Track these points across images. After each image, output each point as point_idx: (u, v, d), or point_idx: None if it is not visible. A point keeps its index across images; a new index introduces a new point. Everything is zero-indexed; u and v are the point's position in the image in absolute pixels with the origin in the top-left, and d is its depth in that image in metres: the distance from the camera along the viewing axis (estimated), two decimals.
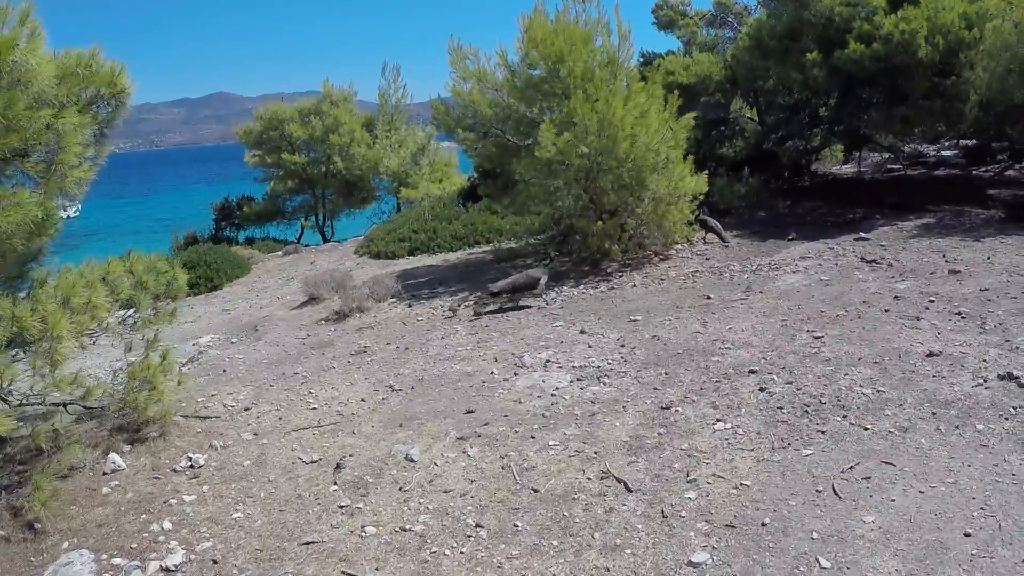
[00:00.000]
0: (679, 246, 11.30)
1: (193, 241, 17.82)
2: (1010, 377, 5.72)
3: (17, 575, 4.83)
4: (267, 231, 19.32)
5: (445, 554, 4.56)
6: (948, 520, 4.21)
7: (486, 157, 11.39)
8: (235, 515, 5.20)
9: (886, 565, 3.90)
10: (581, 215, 10.51)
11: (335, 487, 5.58)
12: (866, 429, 5.26)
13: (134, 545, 4.91)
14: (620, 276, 10.21)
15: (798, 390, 5.98)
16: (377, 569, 4.49)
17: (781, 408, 5.72)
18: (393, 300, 10.50)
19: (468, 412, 6.57)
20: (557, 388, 6.79)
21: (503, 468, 5.52)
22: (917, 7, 11.17)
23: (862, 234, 10.86)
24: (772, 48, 12.77)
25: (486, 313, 9.38)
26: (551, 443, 5.75)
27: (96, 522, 5.23)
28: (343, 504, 5.36)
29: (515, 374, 7.29)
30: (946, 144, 16.09)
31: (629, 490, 4.93)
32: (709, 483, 4.87)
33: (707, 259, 10.65)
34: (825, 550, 4.07)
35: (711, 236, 11.58)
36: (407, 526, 4.96)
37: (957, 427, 5.16)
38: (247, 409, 7.28)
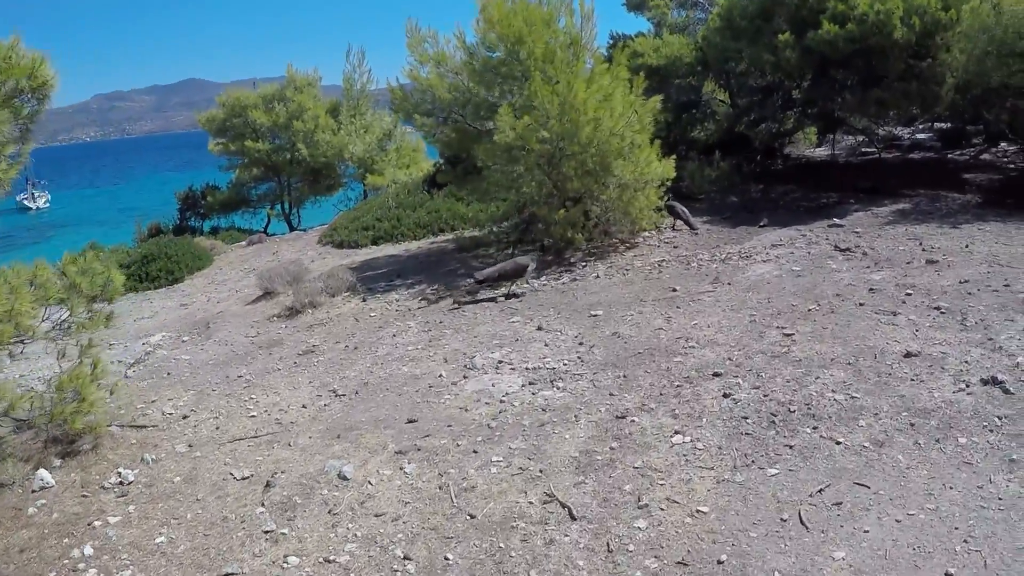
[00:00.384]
0: (647, 234, 10.63)
1: (157, 232, 16.96)
2: (994, 382, 5.10)
3: None
4: (232, 220, 18.48)
5: None
6: (928, 556, 3.60)
7: (445, 143, 10.64)
8: (158, 539, 4.73)
9: None
10: (543, 203, 9.80)
11: (262, 509, 5.01)
12: (838, 443, 4.63)
13: (52, 574, 4.46)
14: (584, 266, 9.52)
15: (765, 396, 5.33)
16: None
17: (746, 418, 5.08)
18: (348, 294, 9.79)
19: (410, 421, 5.94)
20: (507, 393, 6.14)
21: (440, 488, 4.89)
22: None
23: (836, 220, 10.22)
24: (743, 29, 12.05)
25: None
26: (494, 459, 5.10)
27: (19, 546, 4.78)
28: (268, 529, 4.83)
29: (464, 377, 6.63)
30: (921, 127, 15.48)
31: (573, 518, 4.29)
32: (662, 509, 4.23)
33: (675, 247, 9.98)
34: None
35: (681, 223, 10.91)
36: (332, 556, 4.40)
37: (937, 441, 4.53)
38: (185, 417, 6.73)
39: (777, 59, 11.52)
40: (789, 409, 5.10)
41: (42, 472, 5.67)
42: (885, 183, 11.77)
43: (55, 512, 5.16)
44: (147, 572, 4.42)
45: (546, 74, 8.88)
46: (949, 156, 13.73)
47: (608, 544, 4.00)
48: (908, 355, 5.68)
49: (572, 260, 9.87)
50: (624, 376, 6.08)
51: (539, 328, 7.50)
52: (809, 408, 5.08)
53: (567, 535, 4.15)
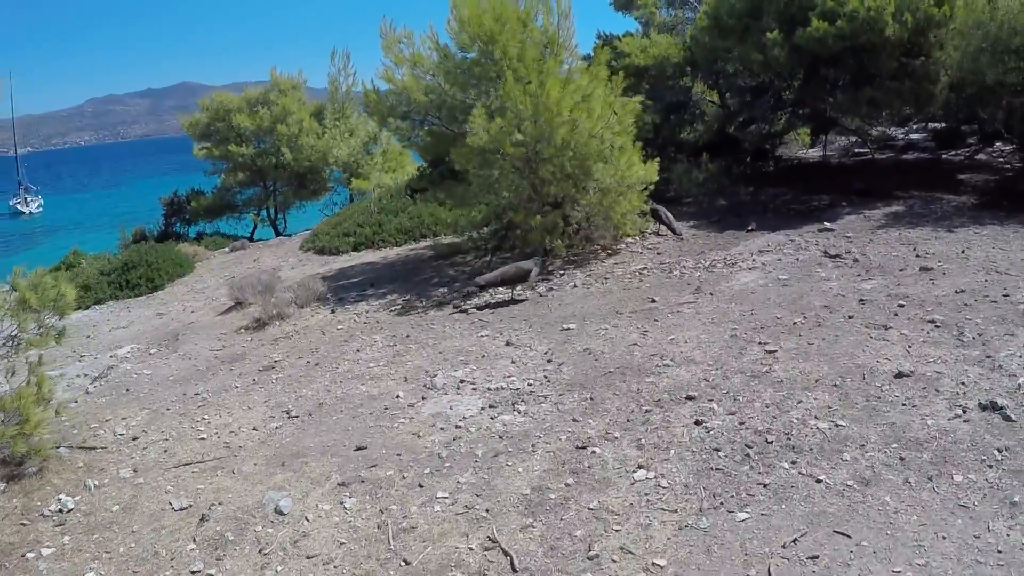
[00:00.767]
0: (630, 239, 10.03)
1: (141, 237, 16.43)
2: (993, 407, 4.50)
3: None
4: (217, 226, 17.90)
5: None
6: None
7: (422, 148, 10.06)
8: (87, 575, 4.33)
9: None
10: (520, 208, 9.21)
11: (193, 545, 4.51)
12: (819, 481, 4.03)
13: None
14: (562, 274, 8.93)
15: (741, 424, 4.73)
16: None
17: (718, 450, 4.47)
18: (318, 304, 9.22)
19: (359, 449, 5.39)
20: (464, 417, 5.56)
21: (379, 527, 4.33)
22: None
23: (826, 224, 9.60)
24: (731, 27, 11.43)
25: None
26: (440, 494, 4.52)
27: None
28: (195, 570, 4.34)
29: (423, 398, 6.06)
30: (915, 127, 14.82)
31: (514, 569, 3.72)
32: (614, 561, 3.64)
33: (658, 254, 9.38)
34: None
35: (666, 228, 10.30)
36: None
37: (930, 478, 3.93)
38: (136, 439, 6.24)
39: (766, 58, 10.90)
40: (767, 439, 4.50)
41: None
42: (878, 185, 11.15)
43: None
44: None
45: (518, 74, 8.28)
46: (944, 156, 13.08)
47: None
48: (900, 375, 5.08)
49: (551, 268, 9.28)
50: (591, 399, 5.49)
51: (508, 343, 6.91)
52: (789, 438, 4.48)
53: None
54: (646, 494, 4.14)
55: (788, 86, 11.99)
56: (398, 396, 6.17)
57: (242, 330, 8.94)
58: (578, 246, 9.65)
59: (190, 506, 4.94)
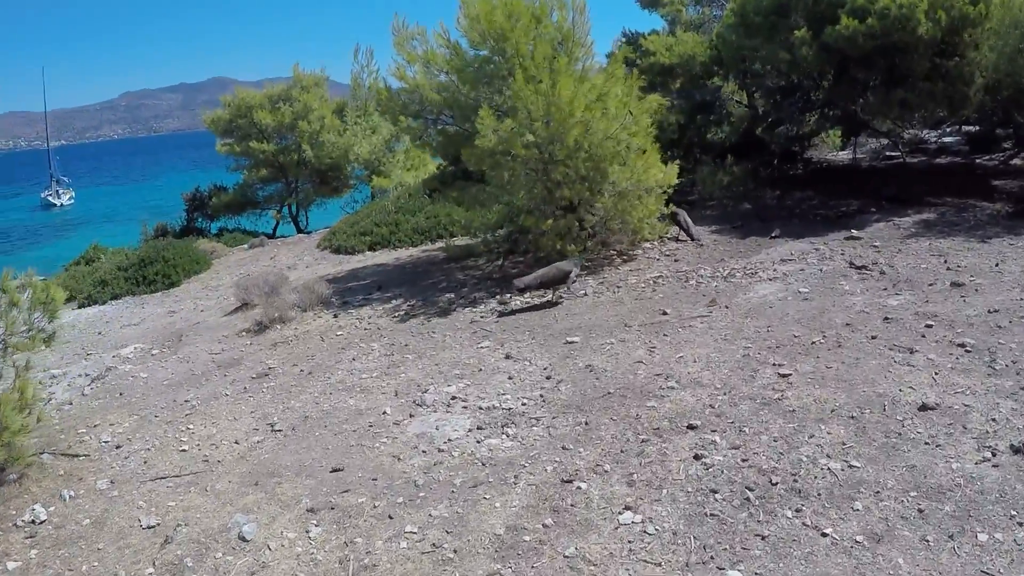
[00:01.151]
0: (648, 244, 9.50)
1: (163, 233, 16.32)
2: None
3: None
4: (238, 222, 17.72)
5: None
6: None
7: (434, 147, 9.65)
8: None
9: None
10: (533, 211, 8.75)
11: (152, 570, 4.20)
12: (824, 535, 3.52)
13: None
14: (573, 282, 8.44)
15: (744, 461, 4.23)
16: None
17: (715, 491, 3.98)
18: (320, 308, 8.87)
19: (335, 470, 5.03)
20: (449, 440, 5.15)
21: (340, 562, 3.97)
22: None
23: (853, 232, 8.97)
24: (758, 25, 10.80)
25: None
26: (408, 529, 4.12)
27: None
28: None
29: (410, 416, 5.65)
30: (948, 130, 13.98)
31: None
32: None
33: (675, 260, 8.84)
34: None
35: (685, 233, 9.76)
36: None
37: (951, 536, 3.41)
38: (119, 447, 5.98)
39: (794, 57, 10.27)
40: (771, 481, 4.00)
41: None
42: (909, 190, 10.45)
43: None
44: None
45: (529, 73, 7.81)
46: (977, 161, 12.26)
47: None
48: (924, 408, 4.53)
49: None
50: (585, 424, 5.03)
51: (507, 356, 6.47)
52: (796, 480, 3.98)
53: None
54: (630, 541, 3.67)
55: (817, 86, 11.31)
56: (385, 412, 5.78)
57: (243, 333, 8.63)
58: (593, 251, 9.15)
59: (158, 524, 4.67)
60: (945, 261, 7.44)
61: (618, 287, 8.07)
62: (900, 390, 4.80)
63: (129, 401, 7.13)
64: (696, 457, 4.35)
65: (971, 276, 6.83)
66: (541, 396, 5.58)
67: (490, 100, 8.74)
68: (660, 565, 3.47)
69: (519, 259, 9.47)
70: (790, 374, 5.24)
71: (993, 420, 4.30)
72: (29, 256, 24.41)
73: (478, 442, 5.04)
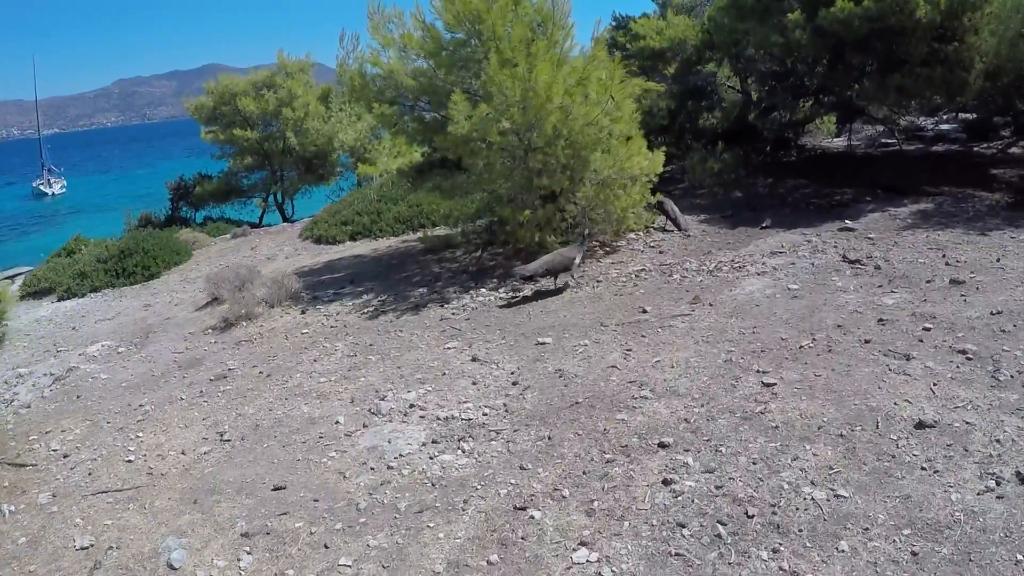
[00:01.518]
0: (633, 235, 8.91)
1: (147, 222, 15.73)
2: None
3: None
4: (223, 211, 17.11)
5: None
6: None
7: (409, 135, 9.03)
8: None
9: None
10: (510, 202, 8.17)
11: None
12: None
13: None
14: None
15: (717, 488, 3.69)
16: None
17: (683, 526, 3.45)
18: (290, 303, 8.31)
19: (277, 488, 4.53)
20: (401, 455, 4.63)
21: None
22: None
23: (848, 223, 8.38)
24: (751, 7, 10.16)
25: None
26: (342, 562, 3.62)
27: None
28: None
29: (364, 426, 5.13)
30: (945, 117, 13.31)
31: None
32: None
33: (660, 252, 8.26)
34: None
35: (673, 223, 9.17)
36: None
37: None
38: (67, 456, 5.56)
39: (787, 41, 9.64)
40: (747, 513, 3.46)
41: None
42: (905, 179, 9.84)
43: None
44: None
45: (504, 56, 7.20)
46: (975, 149, 11.61)
47: None
48: (921, 425, 3.98)
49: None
50: (548, 439, 4.49)
51: (473, 359, 5.92)
52: (775, 513, 3.44)
53: None
54: None
55: (811, 71, 10.65)
56: (338, 422, 5.25)
57: (209, 330, 8.09)
58: (575, 242, 8.56)
59: (91, 545, 4.25)
60: (943, 255, 6.86)
61: (598, 281, 7.50)
62: (895, 404, 4.25)
63: (85, 405, 6.64)
64: (665, 482, 3.81)
65: (971, 272, 6.26)
66: (504, 405, 5.04)
67: (467, 85, 8.13)
68: None
69: (498, 251, 8.90)
70: (775, 383, 4.69)
71: (997, 442, 3.75)
72: (18, 246, 23.86)
73: (431, 458, 4.52)
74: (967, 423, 3.95)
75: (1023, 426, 3.86)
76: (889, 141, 12.58)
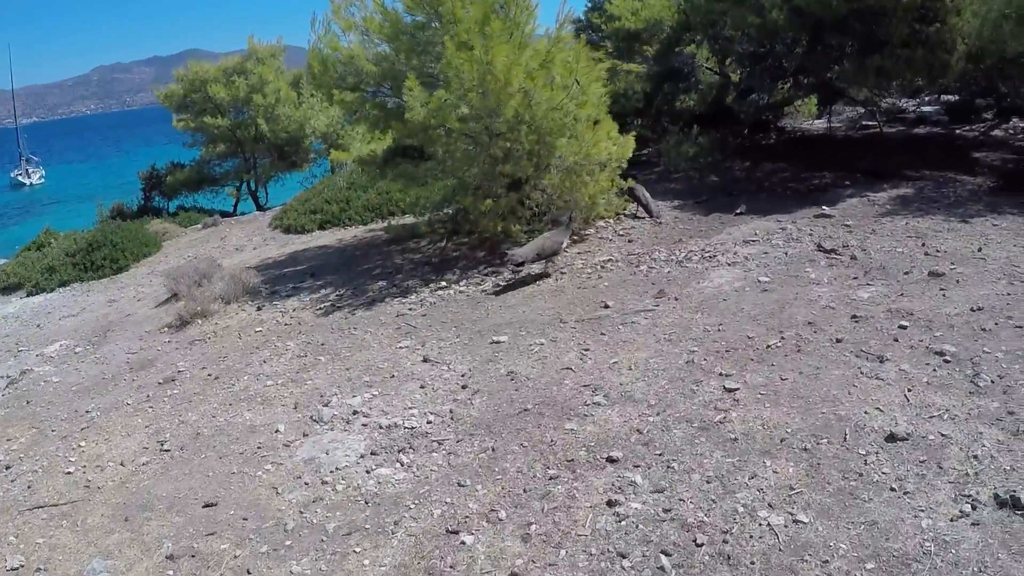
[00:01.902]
0: (603, 223, 8.45)
1: (119, 213, 15.17)
2: (1014, 505, 3.01)
3: None
4: (196, 200, 16.51)
5: None
6: None
7: (371, 122, 8.52)
8: None
9: None
10: (472, 190, 7.70)
11: None
12: None
13: None
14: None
15: (666, 512, 3.28)
16: None
17: (624, 556, 3.04)
18: (247, 299, 7.85)
19: (208, 505, 4.15)
20: (337, 468, 4.22)
21: None
22: None
23: (825, 209, 7.94)
24: None
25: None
26: None
27: None
28: None
29: (304, 435, 4.71)
30: (927, 99, 12.82)
31: None
32: None
33: (629, 241, 7.82)
34: None
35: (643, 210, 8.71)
36: None
37: None
38: (9, 467, 5.23)
39: (763, 21, 9.13)
40: (695, 540, 3.05)
41: None
42: (886, 162, 9.39)
43: None
44: None
45: (459, 39, 6.69)
46: (957, 132, 11.13)
47: None
48: (892, 438, 3.58)
49: (505, 257, 7.76)
50: (492, 450, 4.07)
51: (424, 359, 5.49)
52: (726, 541, 3.03)
53: None
54: None
55: (790, 53, 10.14)
56: (278, 431, 4.84)
57: (165, 328, 7.63)
58: (542, 231, 8.10)
59: (21, 567, 3.93)
60: (923, 244, 6.43)
61: (562, 272, 7.05)
62: (865, 412, 3.84)
63: (34, 411, 6.25)
64: (610, 503, 3.40)
65: (951, 264, 5.83)
66: (451, 412, 4.62)
67: (429, 69, 7.64)
68: None
69: (463, 240, 8.43)
70: (738, 388, 4.27)
71: (975, 458, 3.34)
72: None
73: (367, 472, 4.11)
74: (943, 435, 3.55)
75: (1003, 439, 3.45)
76: (870, 123, 12.12)
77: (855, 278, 5.86)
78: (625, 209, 8.77)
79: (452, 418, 4.54)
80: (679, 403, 4.22)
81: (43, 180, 53.53)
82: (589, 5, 12.74)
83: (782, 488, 3.32)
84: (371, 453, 4.30)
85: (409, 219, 9.93)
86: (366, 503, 3.82)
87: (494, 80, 6.66)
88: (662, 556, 2.99)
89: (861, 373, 4.26)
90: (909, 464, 3.37)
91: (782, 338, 4.88)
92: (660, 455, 3.72)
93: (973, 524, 2.95)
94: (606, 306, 5.95)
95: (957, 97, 11.73)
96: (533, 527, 3.34)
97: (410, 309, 6.67)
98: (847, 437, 3.64)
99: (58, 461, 5.13)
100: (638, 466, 3.66)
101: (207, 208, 15.95)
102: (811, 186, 9.15)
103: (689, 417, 4.05)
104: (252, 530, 3.79)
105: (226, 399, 5.55)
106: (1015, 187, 7.80)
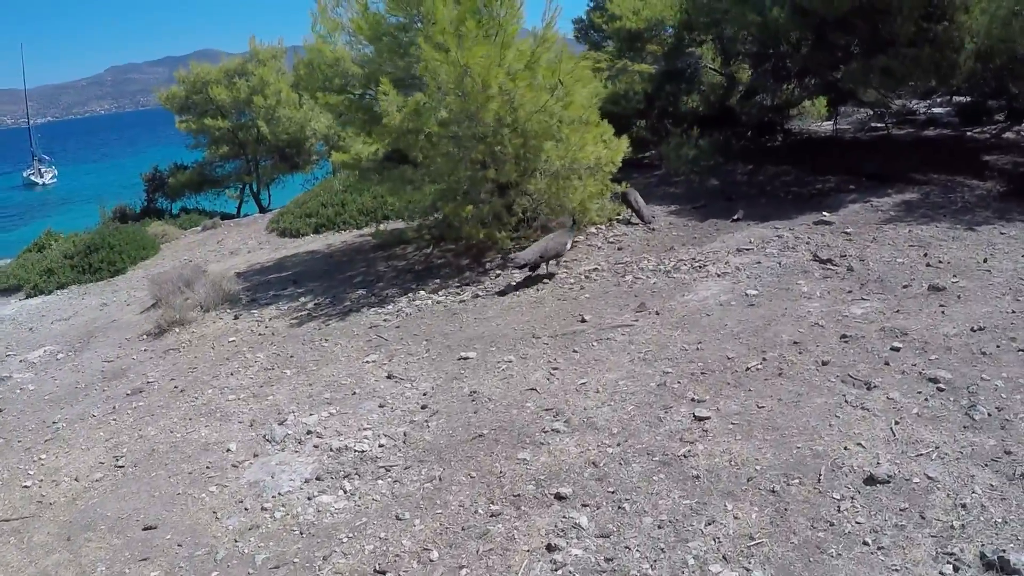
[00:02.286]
0: (595, 229, 8.05)
1: (122, 214, 15.03)
2: (1003, 568, 2.59)
3: None
4: (198, 202, 16.29)
5: None
6: None
7: (355, 125, 8.20)
8: None
9: None
10: (463, 194, 7.35)
11: None
12: None
13: None
14: (497, 275, 7.06)
15: (608, 561, 2.92)
16: None
17: None
18: (226, 307, 7.57)
19: (148, 528, 3.97)
20: (280, 493, 3.93)
21: None
22: None
23: (825, 215, 7.48)
24: None
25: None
26: None
27: None
28: None
29: (255, 455, 4.41)
30: (938, 100, 12.20)
31: None
32: None
33: (619, 249, 7.41)
34: None
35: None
36: None
37: None
38: None
39: (764, 20, 8.66)
40: None
41: None
42: (892, 165, 8.86)
43: None
44: None
45: (429, 37, 6.33)
46: (968, 134, 10.53)
47: None
48: (872, 481, 3.17)
49: (488, 265, 7.40)
50: (438, 480, 3.72)
51: (389, 376, 5.15)
52: None
53: None
54: None
55: (796, 52, 9.64)
56: (229, 450, 4.54)
57: (144, 336, 7.38)
58: (533, 237, 7.73)
59: None
60: (925, 254, 5.96)
61: (544, 282, 6.67)
62: (845, 448, 3.42)
63: (4, 420, 6.06)
64: (549, 548, 3.03)
65: (954, 276, 5.36)
66: (405, 435, 4.28)
67: (413, 72, 7.29)
68: None
69: (450, 247, 8.08)
70: (708, 416, 3.88)
71: (962, 507, 2.92)
72: (5, 238, 23.29)
73: (308, 499, 3.80)
74: (929, 478, 3.13)
75: (996, 484, 3.03)
76: (878, 125, 11.55)
77: (849, 292, 5.41)
78: (619, 214, 8.37)
79: (405, 442, 4.19)
80: (643, 432, 3.83)
81: (55, 180, 53.39)
82: (591, 5, 12.31)
83: (741, 537, 2.93)
84: (316, 478, 3.98)
85: (393, 225, 9.61)
86: (301, 534, 3.51)
87: (472, 82, 6.29)
88: None
89: (845, 401, 3.84)
90: (888, 513, 2.95)
91: (764, 359, 4.46)
92: (613, 493, 3.34)
93: None
94: (583, 320, 5.56)
95: (968, 98, 11.13)
96: (464, 571, 2.98)
97: (385, 320, 6.33)
98: (821, 478, 3.23)
99: (18, 474, 4.93)
100: (587, 505, 3.28)
101: (210, 210, 15.75)
102: (814, 190, 8.68)
103: (651, 449, 3.66)
104: (184, 557, 3.51)
105: (187, 413, 5.27)
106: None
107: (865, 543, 2.81)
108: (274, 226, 11.49)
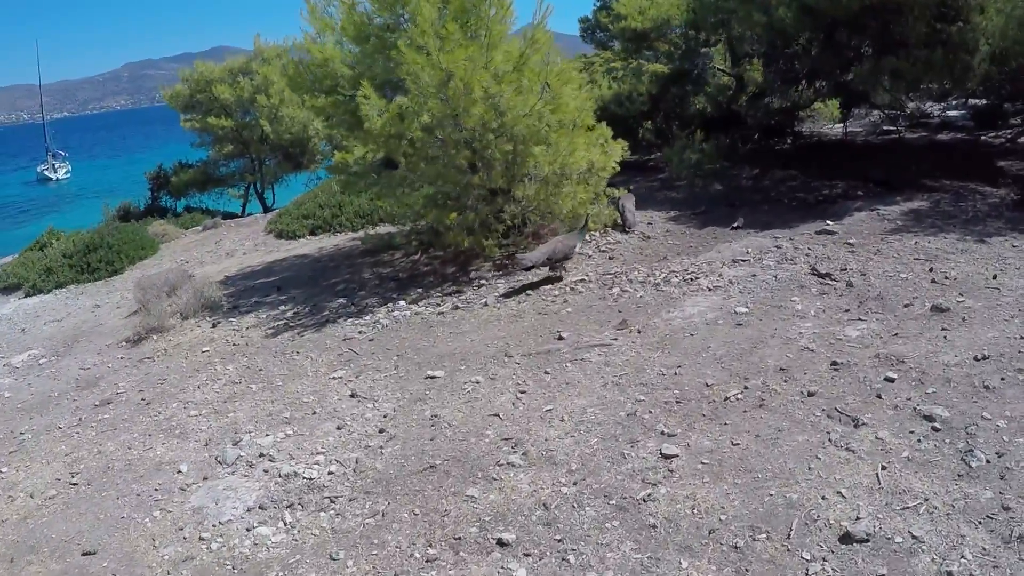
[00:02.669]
0: (588, 236, 7.67)
1: (126, 213, 14.88)
2: None
3: None
4: (202, 200, 16.11)
5: None
6: None
7: (345, 127, 7.89)
8: None
9: None
10: (451, 200, 7.03)
11: None
12: None
13: None
14: (480, 285, 6.72)
15: None
16: None
17: None
18: (206, 313, 7.31)
19: (87, 554, 3.66)
20: (220, 522, 3.68)
21: None
22: None
23: (828, 224, 7.05)
24: None
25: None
26: None
27: None
28: None
29: (204, 477, 4.15)
30: (954, 103, 11.62)
31: None
32: None
33: (611, 258, 7.04)
34: None
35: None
36: None
37: None
38: None
39: (771, 20, 8.22)
40: None
41: None
42: (904, 170, 8.39)
43: None
44: None
45: (410, 38, 6.00)
46: (982, 138, 9.97)
47: None
48: (848, 539, 2.81)
49: (473, 274, 7.06)
50: (382, 515, 3.42)
51: (352, 395, 4.84)
52: None
53: None
54: None
55: (806, 53, 9.15)
56: (179, 471, 4.28)
57: (124, 343, 7.15)
58: (523, 244, 7.39)
59: None
60: (931, 269, 5.53)
61: (527, 294, 6.32)
62: (823, 497, 3.05)
63: None
64: None
65: (960, 295, 4.93)
66: (357, 461, 3.98)
67: (396, 74, 6.97)
68: None
69: (438, 254, 7.75)
70: (676, 454, 3.52)
71: (948, 575, 2.53)
72: (16, 234, 23.33)
73: (248, 530, 3.53)
74: (913, 537, 2.75)
75: (989, 547, 2.64)
76: (890, 128, 11.01)
77: (847, 310, 5.00)
78: (616, 221, 7.99)
79: (355, 470, 3.88)
80: (603, 470, 3.48)
81: (69, 175, 52.82)
82: (598, 4, 11.92)
83: None
84: (259, 507, 3.70)
85: (382, 230, 9.30)
86: (233, 568, 3.24)
87: (455, 86, 5.95)
88: None
89: (829, 440, 3.46)
90: None
91: (745, 388, 4.09)
92: (559, 541, 3.00)
93: None
94: (560, 338, 5.20)
95: (983, 101, 10.57)
96: None
97: (360, 332, 6.02)
98: (792, 533, 2.87)
99: None
100: (528, 555, 2.95)
101: (214, 209, 15.57)
102: (819, 197, 8.23)
103: (609, 490, 3.31)
104: None
105: (148, 428, 5.01)
106: None
107: None
108: (272, 227, 11.25)
